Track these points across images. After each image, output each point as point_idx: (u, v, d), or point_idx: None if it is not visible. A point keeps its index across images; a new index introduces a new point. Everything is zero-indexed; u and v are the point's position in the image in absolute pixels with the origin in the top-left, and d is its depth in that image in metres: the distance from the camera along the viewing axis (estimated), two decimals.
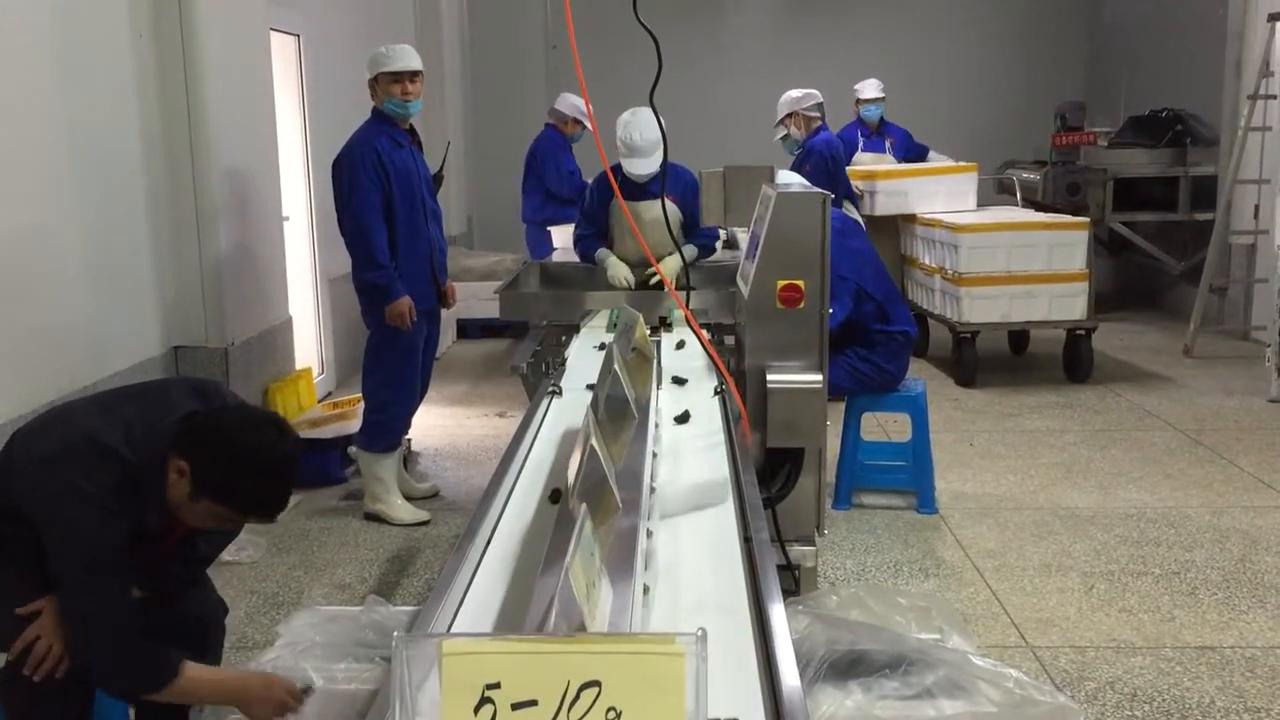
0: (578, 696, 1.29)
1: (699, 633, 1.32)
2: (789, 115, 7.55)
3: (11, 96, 4.00)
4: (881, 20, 13.07)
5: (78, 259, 4.44)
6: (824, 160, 7.22)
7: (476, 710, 1.29)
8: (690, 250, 5.18)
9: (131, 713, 2.79)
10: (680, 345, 4.41)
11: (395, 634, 1.36)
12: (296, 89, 6.89)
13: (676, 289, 4.51)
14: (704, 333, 3.84)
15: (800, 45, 12.84)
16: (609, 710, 1.29)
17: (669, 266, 4.88)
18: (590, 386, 3.74)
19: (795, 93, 7.61)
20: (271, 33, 6.18)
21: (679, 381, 3.82)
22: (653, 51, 3.15)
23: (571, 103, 8.33)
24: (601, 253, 5.36)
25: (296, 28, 6.79)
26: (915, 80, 12.96)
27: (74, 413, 2.52)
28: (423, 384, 5.29)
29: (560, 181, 8.27)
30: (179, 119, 5.14)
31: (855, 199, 7.80)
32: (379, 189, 4.81)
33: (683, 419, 3.37)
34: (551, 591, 1.49)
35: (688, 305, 3.93)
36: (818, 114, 7.55)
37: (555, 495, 2.70)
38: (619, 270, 5.27)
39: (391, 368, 5.03)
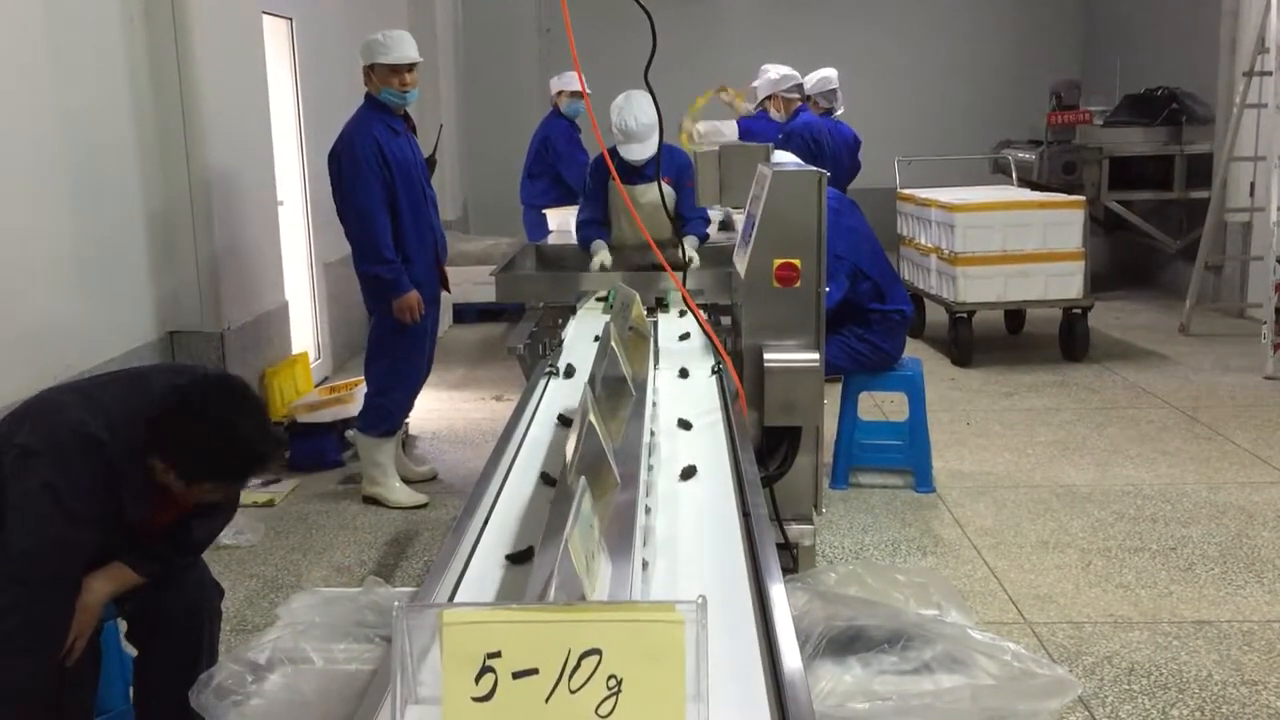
0: (578, 665, 1.29)
1: (699, 600, 1.32)
2: (769, 97, 7.49)
3: (2, 83, 3.99)
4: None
5: (71, 245, 4.43)
6: (805, 142, 7.17)
7: (477, 679, 1.29)
8: (692, 240, 5.18)
9: (130, 691, 2.80)
10: (684, 337, 4.32)
11: (396, 604, 1.36)
12: (290, 72, 6.86)
13: (673, 270, 4.50)
14: (701, 313, 3.84)
15: (794, 24, 12.80)
16: (609, 678, 1.29)
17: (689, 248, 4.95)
18: (568, 369, 3.68)
19: (773, 75, 7.48)
20: (264, 16, 6.15)
21: (683, 374, 3.71)
22: (646, 34, 3.14)
23: (571, 77, 8.22)
24: (596, 245, 5.33)
25: (289, 10, 6.75)
26: (911, 60, 12.97)
27: (60, 401, 2.52)
28: (425, 367, 5.27)
29: (579, 177, 8.14)
30: (172, 103, 5.11)
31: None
32: (380, 180, 4.71)
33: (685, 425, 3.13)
34: (551, 564, 1.49)
35: (684, 284, 3.92)
36: (797, 95, 7.47)
37: (546, 478, 2.68)
38: (598, 260, 5.22)
39: (399, 356, 5.00)
